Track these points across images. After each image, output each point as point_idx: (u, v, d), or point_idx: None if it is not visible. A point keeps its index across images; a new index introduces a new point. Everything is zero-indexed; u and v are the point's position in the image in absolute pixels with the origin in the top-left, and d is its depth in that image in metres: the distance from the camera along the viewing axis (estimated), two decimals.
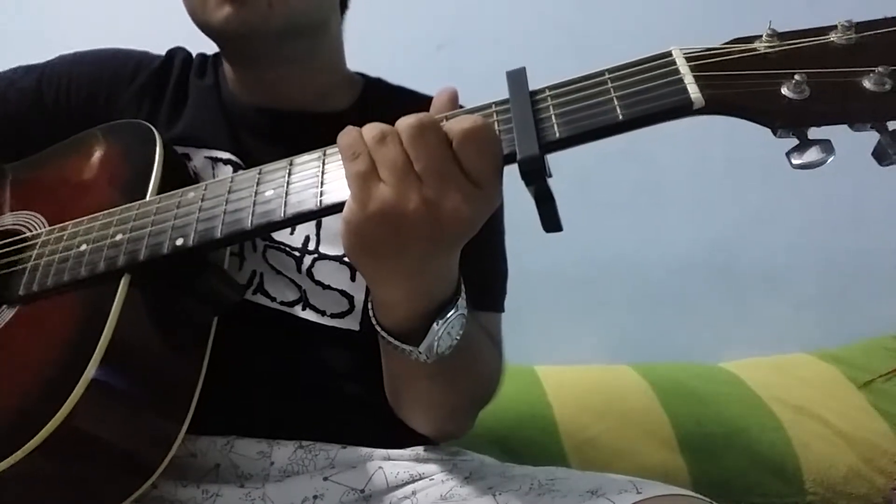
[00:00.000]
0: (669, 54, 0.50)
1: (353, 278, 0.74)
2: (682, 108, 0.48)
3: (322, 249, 0.75)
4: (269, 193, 0.57)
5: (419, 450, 0.73)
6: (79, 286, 0.62)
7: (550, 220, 0.50)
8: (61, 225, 0.67)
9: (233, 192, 0.59)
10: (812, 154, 0.45)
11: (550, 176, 0.50)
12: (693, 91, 0.47)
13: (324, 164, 0.57)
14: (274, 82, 0.80)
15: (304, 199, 0.56)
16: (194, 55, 0.88)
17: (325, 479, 0.69)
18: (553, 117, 0.50)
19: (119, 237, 0.62)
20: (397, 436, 0.72)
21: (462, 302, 0.57)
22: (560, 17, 1.50)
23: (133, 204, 0.64)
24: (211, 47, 0.82)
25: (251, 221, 0.57)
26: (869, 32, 0.47)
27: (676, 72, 0.49)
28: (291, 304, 0.73)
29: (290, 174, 0.58)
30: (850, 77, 0.46)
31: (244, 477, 0.69)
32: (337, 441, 0.71)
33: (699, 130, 1.16)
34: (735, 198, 1.53)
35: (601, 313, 1.52)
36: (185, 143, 0.78)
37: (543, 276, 1.35)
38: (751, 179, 1.49)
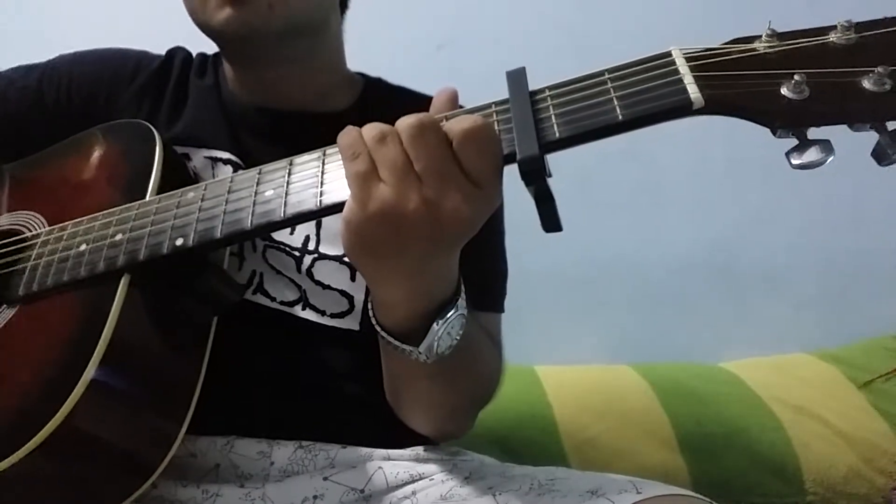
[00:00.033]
0: (669, 54, 0.50)
1: (353, 278, 0.74)
2: (682, 109, 0.48)
3: (322, 249, 0.75)
4: (268, 193, 0.57)
5: (419, 450, 0.73)
6: (78, 286, 0.62)
7: (550, 220, 0.50)
8: (61, 225, 0.67)
9: (232, 192, 0.59)
10: (811, 154, 0.46)
11: (550, 176, 0.50)
12: (693, 91, 0.47)
13: (323, 164, 0.57)
14: (274, 82, 0.80)
15: (303, 199, 0.56)
16: (194, 55, 0.88)
17: (325, 479, 0.69)
18: (553, 117, 0.50)
19: (119, 237, 0.62)
20: (397, 436, 0.72)
21: (462, 302, 0.57)
22: (560, 17, 1.50)
23: (133, 204, 0.64)
24: (211, 47, 0.82)
25: (251, 221, 0.57)
26: (868, 32, 0.47)
27: (676, 72, 0.49)
28: (291, 303, 0.73)
29: (289, 174, 0.58)
30: (850, 77, 0.46)
31: (244, 477, 0.69)
32: (337, 441, 0.71)
33: (699, 130, 1.16)
34: (735, 198, 1.53)
35: (601, 313, 1.52)
36: (185, 142, 0.78)
37: (543, 276, 1.35)
38: (751, 179, 1.49)
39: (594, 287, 1.50)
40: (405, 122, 0.50)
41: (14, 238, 0.69)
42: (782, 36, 0.49)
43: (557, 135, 0.50)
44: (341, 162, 0.52)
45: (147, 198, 0.65)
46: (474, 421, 0.76)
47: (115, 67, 0.84)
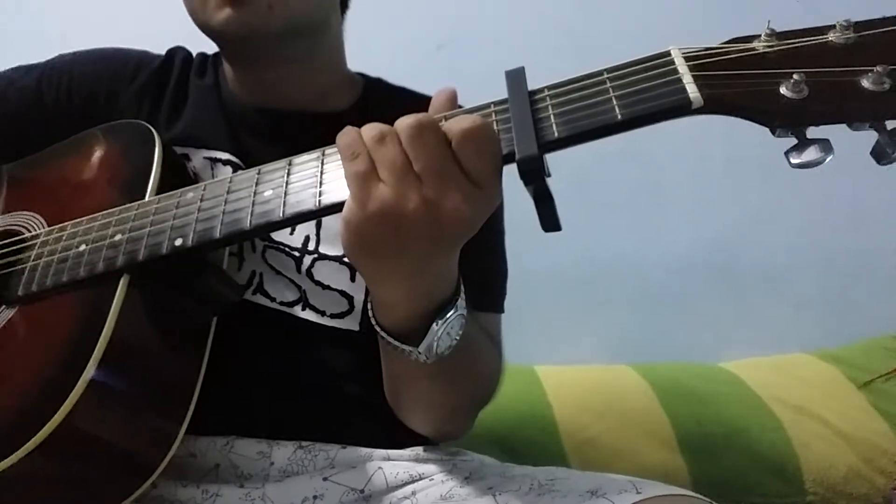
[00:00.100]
0: (668, 54, 0.50)
1: (352, 279, 0.74)
2: (681, 108, 0.48)
3: (322, 250, 0.75)
4: (267, 193, 0.57)
5: (419, 450, 0.73)
6: (78, 286, 0.62)
7: (549, 220, 0.50)
8: (60, 225, 0.67)
9: (232, 192, 0.59)
10: (811, 153, 0.46)
11: (549, 175, 0.50)
12: (692, 91, 0.47)
13: (322, 163, 0.57)
14: (274, 82, 0.80)
15: (302, 199, 0.56)
16: (194, 55, 0.88)
17: (325, 479, 0.69)
18: (552, 117, 0.50)
19: (118, 237, 0.62)
20: (397, 436, 0.72)
21: (461, 302, 0.57)
22: (560, 17, 1.50)
23: (132, 204, 0.64)
24: (211, 47, 0.82)
25: (250, 221, 0.57)
26: (867, 32, 0.47)
27: (675, 71, 0.49)
28: (291, 304, 0.73)
29: (288, 174, 0.58)
30: (849, 76, 0.46)
31: (244, 477, 0.69)
32: (337, 441, 0.71)
33: (699, 130, 1.17)
34: (735, 198, 1.53)
35: (601, 313, 1.52)
36: (185, 143, 0.78)
37: (543, 276, 1.35)
38: (751, 179, 1.49)
39: (594, 287, 1.50)
40: (404, 122, 0.50)
41: (13, 238, 0.69)
42: (781, 35, 0.49)
43: (556, 134, 0.50)
44: (340, 162, 0.52)
45: (146, 198, 0.65)
46: (474, 421, 0.76)
47: (115, 67, 0.84)
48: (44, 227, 0.69)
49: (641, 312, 1.51)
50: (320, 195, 0.55)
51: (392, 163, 0.49)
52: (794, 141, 0.46)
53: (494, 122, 0.52)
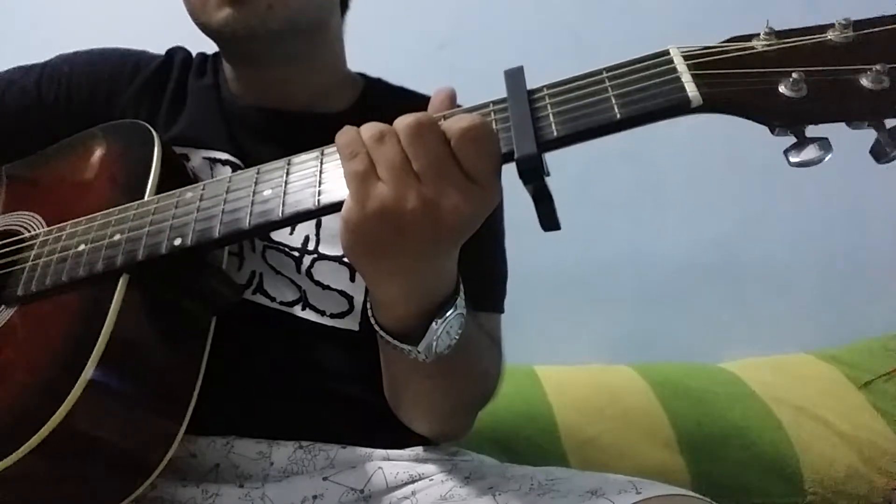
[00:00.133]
0: (667, 53, 0.50)
1: (352, 279, 0.74)
2: (680, 107, 0.48)
3: (322, 249, 0.75)
4: (267, 193, 0.57)
5: (419, 450, 0.73)
6: (77, 286, 0.62)
7: (549, 219, 0.50)
8: (60, 225, 0.67)
9: (231, 192, 0.59)
10: (810, 152, 0.45)
11: (548, 175, 0.50)
12: (691, 89, 0.47)
13: (322, 163, 0.57)
14: (274, 82, 0.80)
15: (302, 198, 0.56)
16: (194, 55, 0.88)
17: (325, 479, 0.69)
18: (551, 116, 0.50)
19: (117, 237, 0.62)
20: (397, 436, 0.72)
21: (461, 301, 0.57)
22: (560, 17, 1.50)
23: (131, 204, 0.64)
24: (211, 47, 0.82)
25: (249, 221, 0.57)
26: (866, 30, 0.47)
27: (674, 70, 0.49)
28: (291, 304, 0.73)
29: (288, 173, 0.58)
30: (848, 75, 0.46)
31: (244, 477, 0.69)
32: (336, 441, 0.71)
33: (699, 130, 1.17)
34: (735, 198, 1.53)
35: (601, 313, 1.51)
36: (184, 143, 0.78)
37: (543, 276, 1.35)
38: (751, 179, 1.49)
39: (594, 287, 1.50)
40: (403, 122, 0.50)
41: (13, 238, 0.69)
42: (780, 34, 0.49)
43: (555, 133, 0.50)
44: (339, 161, 0.52)
45: (146, 198, 0.65)
46: (474, 421, 0.76)
47: (114, 67, 0.84)
48: (43, 227, 0.69)
49: (641, 312, 1.51)
50: (319, 195, 0.55)
51: (391, 162, 0.49)
52: (793, 140, 0.46)
53: (493, 122, 0.52)
